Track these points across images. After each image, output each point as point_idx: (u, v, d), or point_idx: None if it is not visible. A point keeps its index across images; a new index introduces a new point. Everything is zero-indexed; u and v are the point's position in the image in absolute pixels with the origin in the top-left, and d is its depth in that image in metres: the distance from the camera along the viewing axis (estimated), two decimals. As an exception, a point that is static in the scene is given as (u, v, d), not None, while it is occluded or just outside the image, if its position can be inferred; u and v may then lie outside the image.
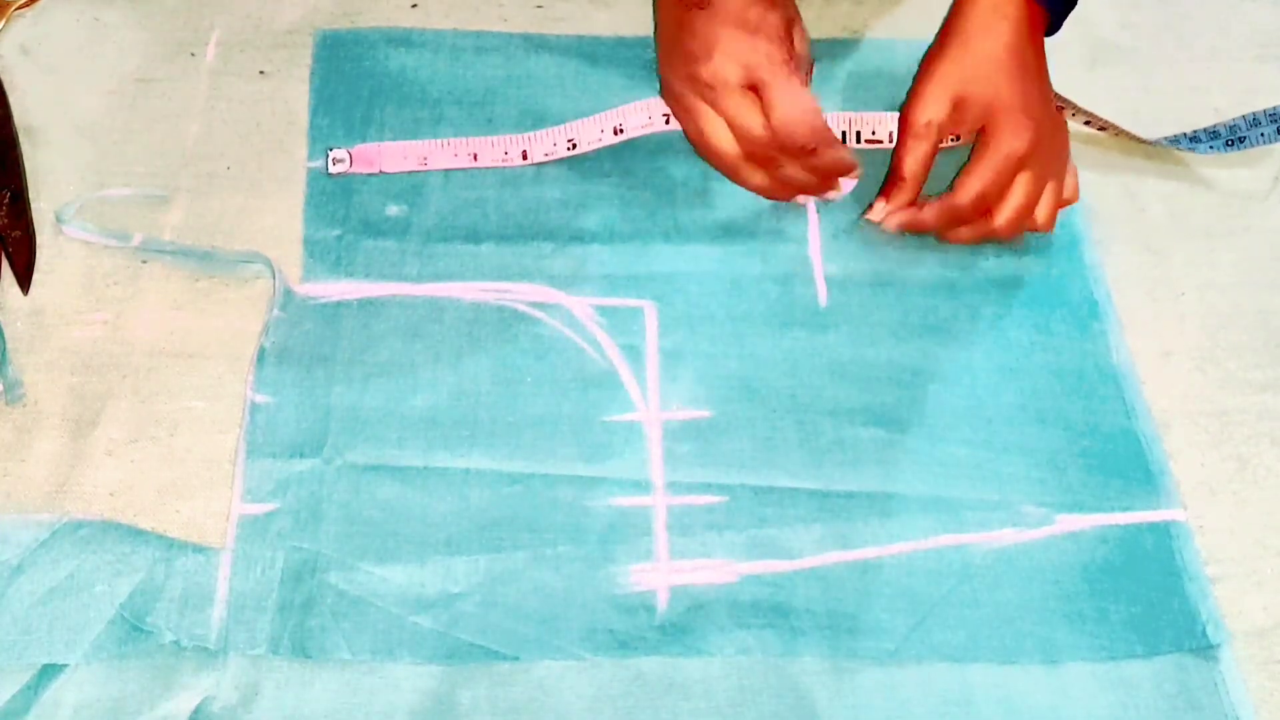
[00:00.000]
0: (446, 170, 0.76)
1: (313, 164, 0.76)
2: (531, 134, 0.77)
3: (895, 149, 0.75)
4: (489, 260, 0.73)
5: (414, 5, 0.84)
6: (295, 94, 0.79)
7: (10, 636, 0.59)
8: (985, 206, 0.73)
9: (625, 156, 0.78)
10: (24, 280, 0.69)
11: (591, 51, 0.83)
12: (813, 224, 0.76)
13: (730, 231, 0.75)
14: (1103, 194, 0.79)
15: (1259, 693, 0.61)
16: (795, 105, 0.72)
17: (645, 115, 0.77)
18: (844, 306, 0.73)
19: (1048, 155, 0.73)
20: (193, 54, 0.80)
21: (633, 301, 0.72)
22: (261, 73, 0.80)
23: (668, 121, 0.77)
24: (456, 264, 0.72)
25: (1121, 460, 0.68)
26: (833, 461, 0.67)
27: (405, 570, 0.62)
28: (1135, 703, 0.61)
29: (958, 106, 0.73)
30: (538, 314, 0.71)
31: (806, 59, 0.76)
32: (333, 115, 0.78)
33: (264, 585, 0.61)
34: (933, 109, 0.73)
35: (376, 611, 0.61)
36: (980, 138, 0.73)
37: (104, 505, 0.63)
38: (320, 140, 0.77)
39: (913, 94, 0.74)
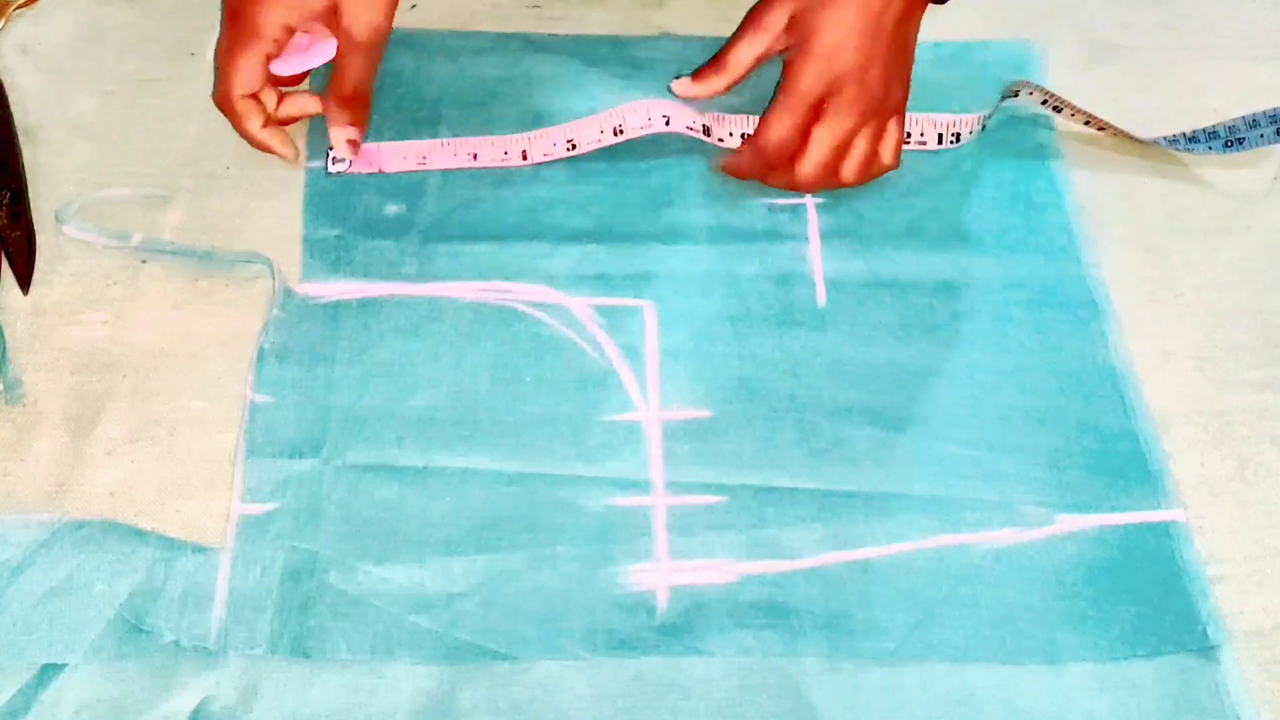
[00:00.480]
0: (446, 170, 0.76)
1: (312, 164, 0.76)
2: (531, 134, 0.77)
3: (732, 36, 0.76)
4: (488, 260, 0.73)
5: (413, 6, 0.84)
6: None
7: (10, 636, 0.59)
8: (787, 149, 0.73)
9: (624, 156, 0.78)
10: (24, 280, 0.69)
11: (588, 51, 0.83)
12: (812, 224, 0.76)
13: (730, 231, 0.75)
14: (1101, 194, 0.79)
15: (1260, 693, 0.61)
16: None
17: (645, 116, 0.77)
18: (843, 306, 0.73)
19: (846, 113, 0.72)
20: (193, 54, 0.80)
21: (632, 301, 0.72)
22: (261, 73, 0.80)
23: (668, 123, 0.77)
24: (456, 264, 0.73)
25: (1121, 460, 0.68)
26: (833, 461, 0.67)
27: (405, 570, 0.62)
28: (1136, 703, 0.61)
29: (790, 25, 0.73)
30: (538, 314, 0.71)
31: None
32: (332, 115, 0.78)
33: (264, 585, 0.61)
34: (774, 15, 0.73)
35: (376, 611, 0.61)
36: (783, 72, 0.73)
37: (104, 505, 0.63)
38: (320, 140, 0.77)
39: None
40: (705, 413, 0.68)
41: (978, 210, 0.77)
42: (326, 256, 0.72)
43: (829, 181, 0.74)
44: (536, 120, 0.79)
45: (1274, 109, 0.79)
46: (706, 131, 0.78)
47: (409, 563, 0.62)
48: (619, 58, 0.83)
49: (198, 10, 0.82)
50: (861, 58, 0.71)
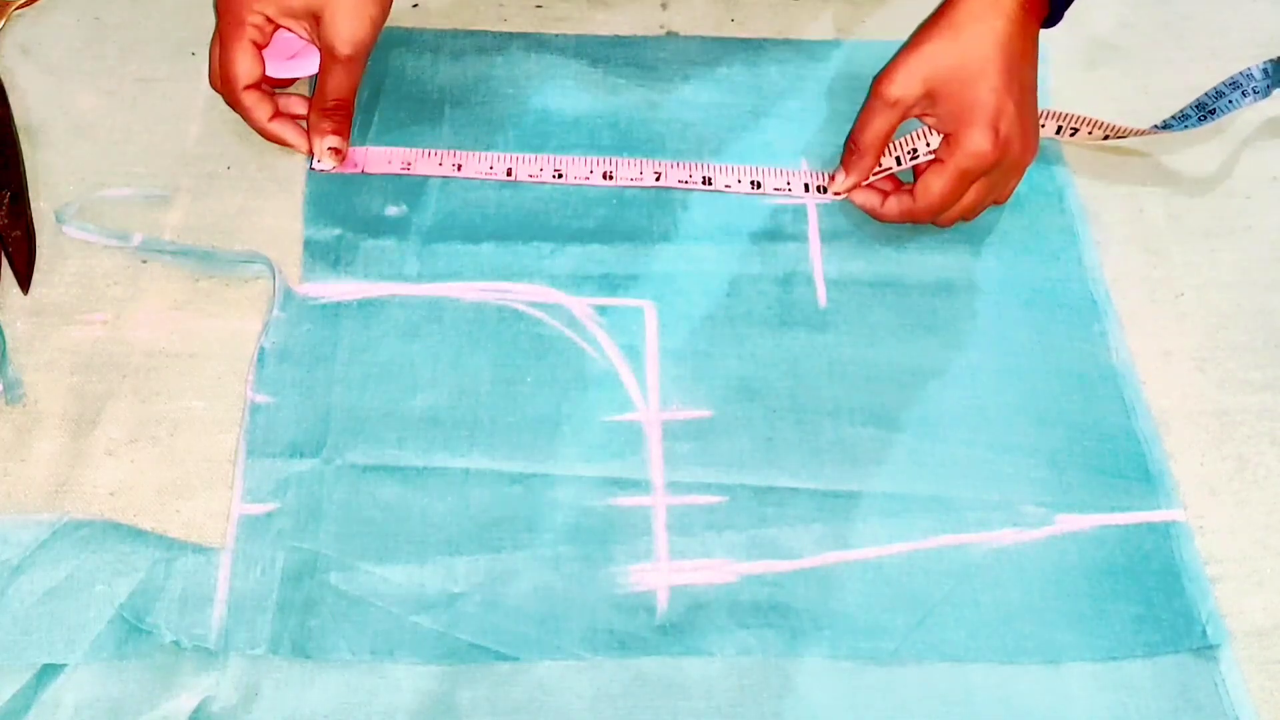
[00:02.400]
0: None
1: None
2: (520, 155, 0.77)
3: (860, 115, 0.74)
4: (489, 260, 0.73)
5: (414, 5, 0.84)
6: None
7: (10, 636, 0.59)
8: (940, 212, 0.73)
9: (625, 156, 0.78)
10: (24, 280, 0.69)
11: (592, 51, 0.83)
12: (812, 224, 0.76)
13: (730, 231, 0.75)
14: (1102, 194, 0.79)
15: (1259, 693, 0.61)
16: None
17: (638, 170, 0.77)
18: (844, 307, 0.73)
19: (1008, 168, 0.72)
20: (193, 54, 0.80)
21: (633, 301, 0.72)
22: (261, 73, 0.80)
23: (658, 179, 0.77)
24: (456, 264, 0.72)
25: (1121, 460, 0.68)
26: (833, 461, 0.67)
27: (405, 570, 0.62)
28: (1135, 703, 0.61)
29: (931, 95, 0.71)
30: (538, 314, 0.71)
31: None
32: (333, 115, 0.78)
33: (264, 585, 0.61)
34: (904, 87, 0.72)
35: (376, 611, 0.61)
36: (946, 140, 0.72)
37: (104, 505, 0.63)
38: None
39: (890, 65, 0.73)
40: (705, 413, 0.68)
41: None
42: (327, 256, 0.72)
43: (954, 222, 0.75)
44: (538, 120, 0.79)
45: (1233, 76, 0.80)
46: (707, 182, 0.77)
47: (409, 563, 0.62)
48: (623, 58, 0.83)
49: (198, 10, 0.82)
50: (1018, 116, 0.71)
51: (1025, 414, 0.69)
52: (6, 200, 0.70)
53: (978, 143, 0.70)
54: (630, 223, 0.75)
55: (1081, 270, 0.75)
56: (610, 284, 0.72)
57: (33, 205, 0.72)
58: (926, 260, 0.75)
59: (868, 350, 0.71)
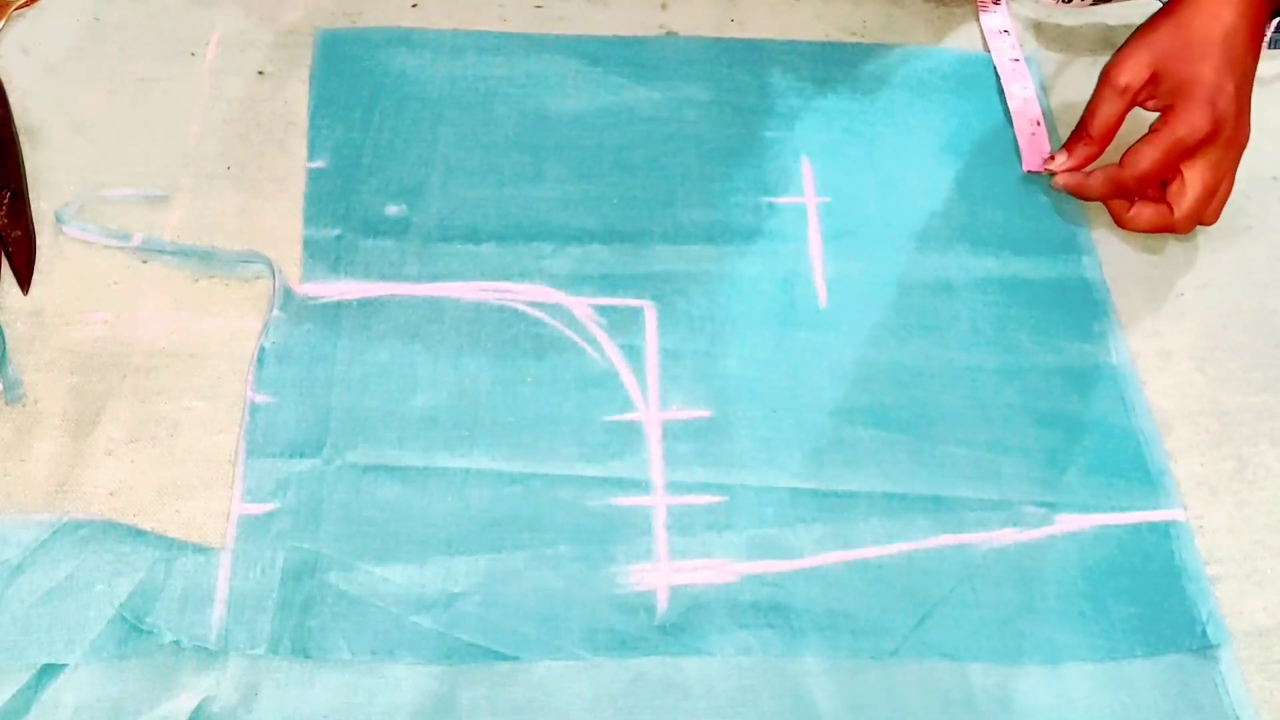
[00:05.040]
0: (446, 170, 0.76)
1: (313, 164, 0.76)
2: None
3: (1089, 103, 0.76)
4: (489, 260, 0.73)
5: (414, 5, 0.84)
6: (295, 94, 0.79)
7: (10, 636, 0.59)
8: (1148, 183, 0.74)
9: (625, 156, 0.78)
10: (24, 280, 0.69)
11: (591, 51, 0.83)
12: (813, 224, 0.76)
13: (730, 231, 0.75)
14: (1103, 194, 0.79)
15: (1259, 693, 0.61)
16: None
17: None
18: (844, 307, 0.73)
19: (1224, 145, 0.73)
20: (193, 54, 0.80)
21: (633, 301, 0.72)
22: (261, 73, 0.80)
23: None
24: (456, 264, 0.72)
25: (1121, 460, 0.68)
26: (833, 461, 0.67)
27: (405, 570, 0.62)
28: (1135, 703, 0.61)
29: (1155, 77, 0.73)
30: (538, 314, 0.71)
31: None
32: (333, 115, 0.78)
33: (264, 585, 0.61)
34: (1131, 72, 0.74)
35: (376, 611, 0.61)
36: (1163, 114, 0.73)
37: (104, 505, 0.63)
38: (320, 140, 0.77)
39: (1119, 53, 0.75)
40: (705, 413, 0.68)
41: (978, 210, 0.77)
42: (326, 256, 0.72)
43: (1199, 219, 0.75)
44: (539, 121, 0.79)
45: None
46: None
47: (409, 563, 0.62)
48: (622, 58, 0.83)
49: (198, 10, 0.82)
50: (1236, 96, 0.72)
51: (1025, 414, 0.69)
52: (6, 200, 0.70)
53: (1194, 113, 0.72)
54: (630, 222, 0.75)
55: (1081, 270, 0.75)
56: (610, 284, 0.72)
57: (33, 205, 0.72)
58: (926, 260, 0.75)
59: (868, 350, 0.71)
